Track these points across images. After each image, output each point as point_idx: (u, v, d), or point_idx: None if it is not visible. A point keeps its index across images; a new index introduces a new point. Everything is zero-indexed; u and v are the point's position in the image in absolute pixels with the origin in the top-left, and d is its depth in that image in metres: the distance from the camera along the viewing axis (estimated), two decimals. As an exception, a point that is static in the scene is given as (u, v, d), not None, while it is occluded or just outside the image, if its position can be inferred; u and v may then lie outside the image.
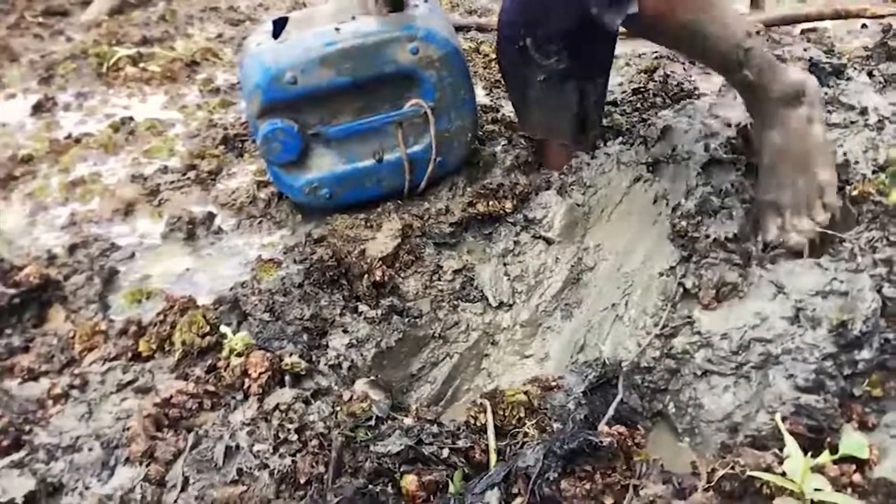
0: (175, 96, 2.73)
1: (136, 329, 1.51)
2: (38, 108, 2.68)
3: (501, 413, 1.28)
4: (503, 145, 2.08)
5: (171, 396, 1.31)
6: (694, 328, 1.39)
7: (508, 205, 1.74)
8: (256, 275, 1.71)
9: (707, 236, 1.45)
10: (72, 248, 1.89)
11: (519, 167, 1.95)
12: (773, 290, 1.37)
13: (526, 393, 1.31)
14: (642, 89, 2.27)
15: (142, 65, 2.92)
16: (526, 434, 1.25)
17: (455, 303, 1.64)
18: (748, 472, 0.99)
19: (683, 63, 2.47)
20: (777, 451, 1.07)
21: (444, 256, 1.72)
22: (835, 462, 1.03)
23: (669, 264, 1.50)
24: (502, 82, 2.55)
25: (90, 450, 1.30)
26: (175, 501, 1.17)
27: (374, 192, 1.91)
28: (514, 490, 1.14)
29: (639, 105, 2.18)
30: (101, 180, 2.22)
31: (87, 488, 1.24)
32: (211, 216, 1.97)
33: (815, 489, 0.95)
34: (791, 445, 0.98)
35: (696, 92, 2.23)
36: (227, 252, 1.88)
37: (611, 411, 1.30)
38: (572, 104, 1.83)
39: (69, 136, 2.47)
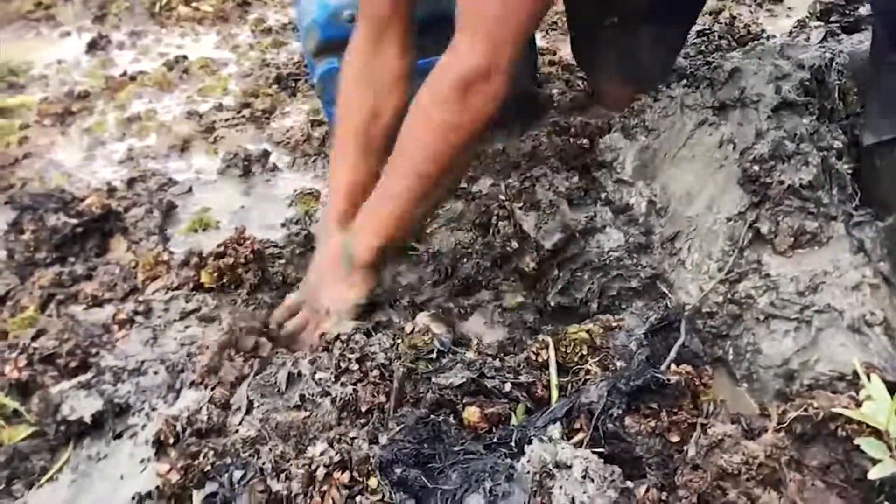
0: (227, 36, 2.73)
1: (198, 261, 1.53)
2: (92, 46, 2.70)
3: (563, 350, 1.27)
4: (560, 88, 2.04)
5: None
6: (762, 272, 1.36)
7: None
8: (309, 209, 1.72)
9: (781, 182, 1.40)
10: (130, 182, 1.91)
11: (576, 109, 1.91)
12: (855, 246, 1.33)
13: (588, 331, 1.29)
14: (707, 31, 2.19)
15: (194, 4, 2.91)
16: (588, 371, 1.24)
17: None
18: (832, 411, 0.97)
19: (750, 5, 2.37)
20: (853, 394, 1.04)
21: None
22: (913, 407, 1.00)
23: (738, 209, 1.45)
24: (560, 24, 2.50)
25: (155, 373, 1.32)
26: (240, 423, 1.19)
27: (429, 132, 1.88)
28: (577, 425, 1.14)
29: (703, 48, 2.11)
30: (156, 117, 2.23)
31: (153, 409, 1.27)
32: (266, 153, 1.97)
33: (898, 430, 0.92)
34: (875, 386, 0.95)
35: (764, 34, 2.15)
36: (282, 188, 1.88)
37: (673, 353, 1.28)
38: (646, 48, 1.77)
39: (124, 74, 2.49)
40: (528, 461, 1.02)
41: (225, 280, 1.50)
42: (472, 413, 1.15)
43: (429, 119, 1.23)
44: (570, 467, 1.00)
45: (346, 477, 1.07)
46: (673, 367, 1.17)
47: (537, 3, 1.23)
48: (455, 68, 1.23)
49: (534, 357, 1.26)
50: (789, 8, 2.45)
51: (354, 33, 1.50)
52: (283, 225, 1.71)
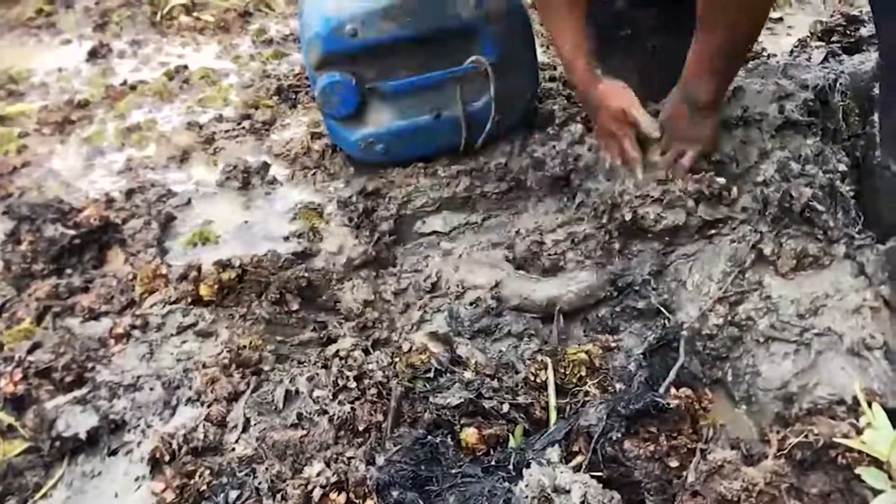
0: (228, 46, 2.72)
1: (196, 275, 1.52)
2: (93, 55, 2.69)
3: (562, 371, 1.26)
4: (561, 104, 2.03)
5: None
6: (763, 294, 1.36)
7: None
8: (313, 224, 1.72)
9: (787, 205, 1.40)
10: (129, 193, 1.90)
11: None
12: (856, 269, 1.33)
13: (587, 352, 1.29)
14: (708, 50, 2.18)
15: (195, 14, 2.90)
16: (587, 393, 1.23)
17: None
18: (833, 440, 0.96)
19: (751, 24, 2.37)
20: (853, 421, 1.04)
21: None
22: (914, 435, 1.00)
23: (741, 230, 1.45)
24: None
25: (151, 389, 1.31)
26: (236, 441, 1.18)
27: (430, 148, 1.87)
28: (575, 448, 1.13)
29: (704, 66, 2.10)
30: (156, 127, 2.22)
31: (149, 426, 1.26)
32: (266, 166, 1.96)
33: (899, 460, 0.92)
34: (877, 415, 0.95)
35: (765, 53, 2.15)
36: (281, 201, 1.87)
37: (672, 375, 1.27)
38: (657, 62, 1.78)
39: (124, 83, 2.48)
40: (526, 485, 1.02)
41: (224, 292, 1.49)
42: (469, 434, 1.15)
43: None
44: (568, 492, 1.00)
45: (342, 499, 1.07)
46: (672, 390, 1.16)
47: None
48: None
49: (532, 378, 1.26)
50: (790, 27, 2.45)
51: None
52: (285, 239, 1.71)
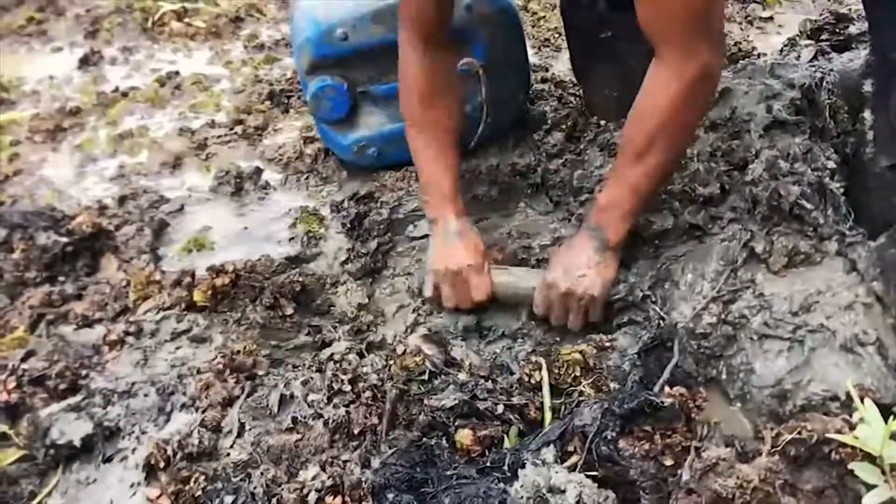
0: (220, 52, 2.72)
1: (190, 280, 1.52)
2: (84, 62, 2.69)
3: (556, 371, 1.27)
4: (552, 105, 2.04)
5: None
6: (756, 291, 1.36)
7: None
8: (311, 229, 1.72)
9: (776, 203, 1.40)
10: (122, 200, 1.90)
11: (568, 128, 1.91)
12: (848, 266, 1.33)
13: (581, 352, 1.29)
14: (698, 50, 2.19)
15: (186, 20, 2.91)
16: (581, 393, 1.24)
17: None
18: (826, 436, 0.97)
19: (740, 23, 2.38)
20: (846, 416, 1.04)
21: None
22: (906, 430, 1.00)
23: (732, 229, 1.46)
24: (552, 41, 2.51)
25: (146, 395, 1.31)
26: (231, 446, 1.18)
27: (422, 150, 1.88)
28: (570, 448, 1.13)
29: (694, 66, 2.11)
30: (148, 133, 2.23)
31: (143, 433, 1.26)
32: (258, 171, 1.97)
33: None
34: (870, 410, 0.95)
35: (755, 52, 2.16)
36: (274, 206, 1.87)
37: (666, 374, 1.28)
38: (640, 62, 1.78)
39: (116, 90, 2.48)
40: (521, 486, 1.02)
41: (219, 297, 1.49)
42: (464, 436, 1.15)
43: (675, 120, 1.30)
44: (563, 492, 1.00)
45: (338, 502, 1.07)
46: (666, 388, 1.16)
47: None
48: (690, 70, 1.29)
49: (526, 378, 1.26)
50: (780, 26, 2.47)
51: (403, 42, 1.54)
52: (278, 243, 1.71)
